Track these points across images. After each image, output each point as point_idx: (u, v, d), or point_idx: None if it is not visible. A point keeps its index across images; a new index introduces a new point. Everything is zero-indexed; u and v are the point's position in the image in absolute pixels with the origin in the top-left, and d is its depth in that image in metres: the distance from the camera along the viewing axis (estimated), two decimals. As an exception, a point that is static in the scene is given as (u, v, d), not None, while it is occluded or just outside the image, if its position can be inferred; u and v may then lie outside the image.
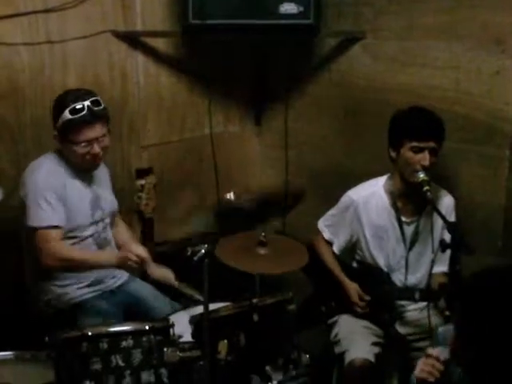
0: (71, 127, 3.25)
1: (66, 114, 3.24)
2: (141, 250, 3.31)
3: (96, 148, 3.31)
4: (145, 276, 3.59)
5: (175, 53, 4.33)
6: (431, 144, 3.33)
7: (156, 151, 4.35)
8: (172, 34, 4.22)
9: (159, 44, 4.26)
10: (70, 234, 3.39)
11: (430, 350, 2.39)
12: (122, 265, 3.38)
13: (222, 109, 4.60)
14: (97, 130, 3.29)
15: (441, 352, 2.36)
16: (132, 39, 4.12)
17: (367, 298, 3.53)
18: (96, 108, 3.28)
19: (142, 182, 3.71)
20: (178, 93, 4.40)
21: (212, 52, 4.34)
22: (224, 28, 3.96)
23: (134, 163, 4.18)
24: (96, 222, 3.49)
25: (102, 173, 3.60)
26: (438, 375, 2.32)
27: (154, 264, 3.50)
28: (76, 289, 3.46)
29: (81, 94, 3.30)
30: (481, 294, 2.03)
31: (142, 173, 3.76)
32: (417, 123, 3.37)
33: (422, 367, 2.36)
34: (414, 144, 3.33)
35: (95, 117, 3.28)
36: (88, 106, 3.25)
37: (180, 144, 4.48)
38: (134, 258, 3.27)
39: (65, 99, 3.29)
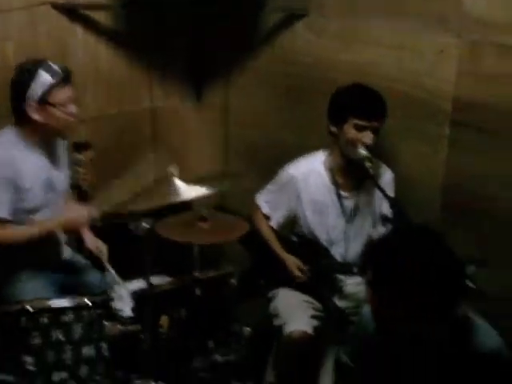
0: (52, 88, 3.18)
1: (45, 77, 3.16)
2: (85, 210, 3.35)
3: (73, 107, 3.27)
4: (80, 246, 3.60)
5: (115, 26, 4.25)
6: (374, 124, 3.37)
7: (94, 124, 4.28)
8: (112, 6, 4.15)
9: (99, 17, 4.17)
10: (21, 217, 3.28)
11: None
12: (70, 224, 3.37)
13: (162, 83, 4.54)
14: (71, 90, 3.27)
15: None
16: (71, 11, 4.04)
17: (306, 269, 3.56)
18: (63, 67, 3.24)
19: (80, 156, 3.64)
20: (117, 66, 4.33)
21: (152, 25, 4.28)
22: (165, 1, 3.91)
23: (72, 136, 4.11)
24: (48, 205, 3.38)
25: (61, 148, 3.51)
26: None
27: (91, 234, 3.53)
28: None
29: (40, 60, 3.23)
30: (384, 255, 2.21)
31: (80, 146, 3.70)
32: (362, 102, 3.39)
33: None
34: (358, 122, 3.36)
35: (68, 76, 3.25)
36: (58, 66, 3.21)
37: (118, 118, 4.41)
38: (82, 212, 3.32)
39: (30, 66, 3.20)
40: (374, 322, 2.40)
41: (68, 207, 3.44)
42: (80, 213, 3.37)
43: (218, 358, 3.20)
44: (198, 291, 3.12)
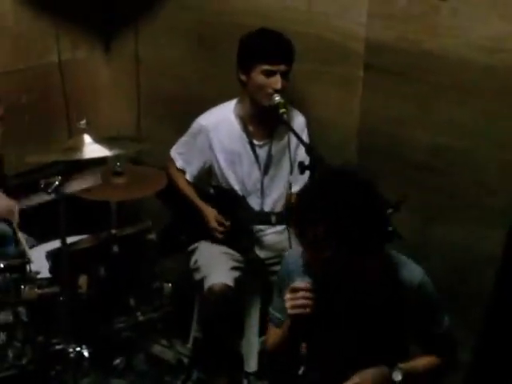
0: None
1: None
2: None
3: None
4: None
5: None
6: (282, 67, 3.33)
7: (1, 80, 4.13)
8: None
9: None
10: None
11: (297, 283, 2.38)
12: None
13: (70, 35, 4.38)
14: None
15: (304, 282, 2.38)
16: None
17: (226, 222, 3.53)
18: None
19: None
20: (23, 18, 4.15)
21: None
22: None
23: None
24: None
25: None
26: (311, 304, 2.34)
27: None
28: None
29: None
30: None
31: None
32: (267, 46, 3.35)
33: (292, 303, 2.35)
34: (266, 67, 3.31)
35: None
36: None
37: (26, 72, 4.26)
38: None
39: None
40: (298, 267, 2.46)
41: None
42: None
43: (141, 316, 3.17)
44: (115, 248, 3.07)
